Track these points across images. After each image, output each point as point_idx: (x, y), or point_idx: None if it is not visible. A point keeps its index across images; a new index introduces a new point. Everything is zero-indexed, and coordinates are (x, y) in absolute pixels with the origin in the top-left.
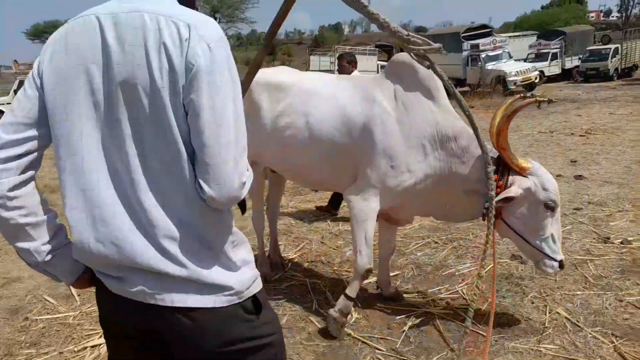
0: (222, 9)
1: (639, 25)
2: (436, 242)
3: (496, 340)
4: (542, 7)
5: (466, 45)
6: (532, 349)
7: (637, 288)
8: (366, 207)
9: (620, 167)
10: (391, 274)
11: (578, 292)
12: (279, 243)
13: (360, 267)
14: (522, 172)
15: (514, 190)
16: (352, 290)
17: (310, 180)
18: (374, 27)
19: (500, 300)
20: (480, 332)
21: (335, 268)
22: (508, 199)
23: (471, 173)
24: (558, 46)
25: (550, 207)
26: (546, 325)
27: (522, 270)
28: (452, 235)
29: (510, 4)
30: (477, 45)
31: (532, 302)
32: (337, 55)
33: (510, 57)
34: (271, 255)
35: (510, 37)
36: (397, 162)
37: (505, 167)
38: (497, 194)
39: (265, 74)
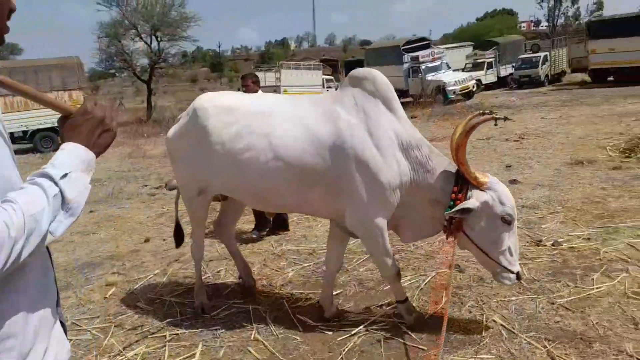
0: (162, 27)
1: (564, 34)
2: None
3: (436, 354)
4: (477, 19)
5: (407, 57)
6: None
7: (567, 290)
8: (373, 223)
9: (551, 170)
10: (334, 292)
11: (513, 298)
12: (220, 268)
13: (390, 275)
14: (480, 186)
15: (471, 203)
16: (399, 294)
17: (275, 204)
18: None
19: (441, 311)
20: (420, 346)
21: (277, 292)
22: (465, 211)
23: (435, 181)
24: (493, 56)
25: (506, 221)
26: (483, 334)
27: (460, 279)
28: (394, 248)
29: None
30: (417, 57)
31: (470, 312)
32: (240, 75)
33: (449, 67)
34: (244, 279)
35: (448, 48)
36: (376, 170)
37: (464, 181)
38: (456, 205)
39: (211, 99)
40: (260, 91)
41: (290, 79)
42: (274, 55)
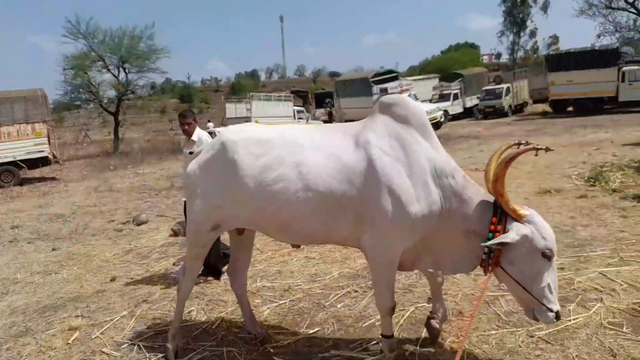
0: (130, 59)
1: (524, 66)
2: (356, 291)
3: None
4: (442, 52)
5: (376, 89)
6: None
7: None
8: (389, 251)
9: (521, 199)
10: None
11: (492, 332)
12: (191, 308)
13: (384, 308)
14: (519, 218)
15: (510, 236)
16: (386, 329)
17: (300, 235)
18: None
19: (421, 349)
20: None
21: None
22: (504, 244)
23: (472, 212)
24: (458, 87)
25: (547, 256)
26: None
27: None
28: (371, 282)
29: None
30: (385, 89)
31: (451, 348)
32: (178, 113)
33: (417, 99)
34: (251, 330)
35: (415, 80)
36: (405, 200)
37: (502, 213)
38: (495, 237)
39: (240, 131)
40: (198, 131)
41: (261, 110)
42: (244, 86)
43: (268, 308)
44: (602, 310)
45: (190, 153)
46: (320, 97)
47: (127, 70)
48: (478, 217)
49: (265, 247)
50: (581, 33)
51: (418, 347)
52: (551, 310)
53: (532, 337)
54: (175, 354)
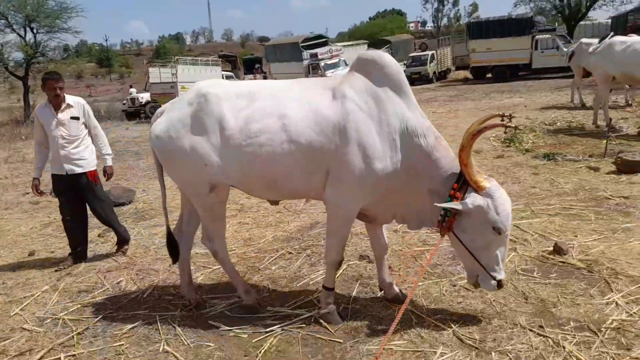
0: (38, 18)
1: (448, 34)
2: (290, 253)
3: (351, 346)
4: (370, 19)
5: (306, 54)
6: (384, 349)
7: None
8: (349, 205)
9: None
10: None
11: (419, 284)
12: (120, 279)
13: (332, 261)
14: (478, 189)
15: (462, 205)
16: (329, 281)
17: (284, 190)
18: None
19: (353, 304)
20: (336, 339)
21: (185, 299)
22: (454, 210)
23: (437, 172)
24: (387, 53)
25: (498, 230)
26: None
27: (370, 269)
28: (305, 243)
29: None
30: (316, 54)
31: (381, 301)
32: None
33: (347, 64)
34: (185, 292)
35: (345, 46)
36: (371, 156)
37: (465, 181)
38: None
39: (219, 84)
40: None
41: (187, 75)
42: (169, 50)
43: (202, 274)
44: (516, 258)
45: (75, 119)
46: (249, 62)
47: (35, 30)
48: (442, 179)
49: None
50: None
51: (350, 304)
52: (494, 279)
53: (455, 286)
54: (260, 304)
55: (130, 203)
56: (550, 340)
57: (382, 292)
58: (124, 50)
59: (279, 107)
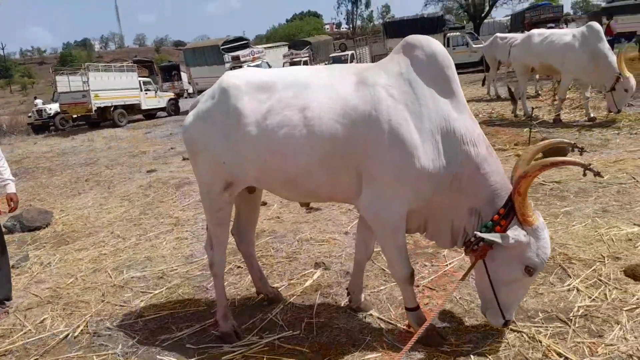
0: None
1: (363, 34)
2: (239, 267)
3: None
4: (287, 20)
5: (227, 57)
6: None
7: (426, 270)
8: (391, 213)
9: None
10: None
11: (382, 287)
12: (44, 316)
13: (401, 277)
14: (524, 224)
15: (506, 240)
16: (409, 301)
17: (304, 190)
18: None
19: (317, 318)
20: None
21: (128, 332)
22: (496, 243)
23: (484, 190)
24: (307, 54)
25: (529, 272)
26: (365, 334)
27: (327, 277)
28: None
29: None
30: (238, 57)
31: (346, 311)
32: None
33: (270, 66)
34: (261, 289)
35: (266, 48)
36: (409, 151)
37: (512, 209)
38: (497, 231)
39: (243, 76)
40: None
41: (100, 83)
42: (75, 57)
43: (142, 301)
44: None
45: None
46: (166, 69)
47: None
48: (488, 199)
49: (128, 233)
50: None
51: (314, 317)
52: (504, 317)
53: (418, 286)
54: (237, 335)
55: (47, 226)
56: (524, 335)
57: (349, 298)
58: (24, 59)
59: (300, 97)
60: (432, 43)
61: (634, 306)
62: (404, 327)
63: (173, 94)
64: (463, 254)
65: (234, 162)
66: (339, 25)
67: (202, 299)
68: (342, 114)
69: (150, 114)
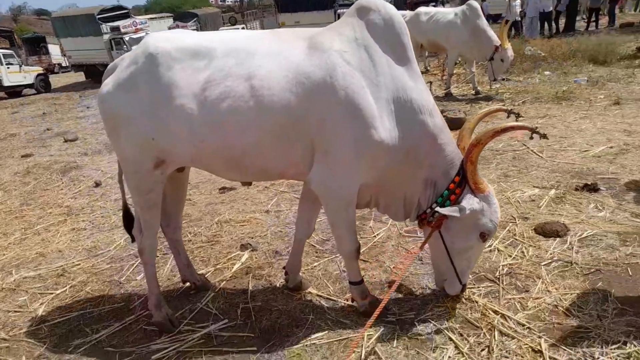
0: None
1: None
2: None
3: (268, 351)
4: None
5: (105, 27)
6: (306, 346)
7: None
8: (344, 188)
9: None
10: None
11: (315, 264)
12: None
13: (347, 252)
14: (477, 191)
15: (463, 210)
16: (353, 275)
17: (253, 169)
18: None
19: (253, 302)
20: (249, 349)
21: (30, 340)
22: (454, 215)
23: (440, 160)
24: (194, 27)
25: (484, 237)
26: (306, 313)
27: (256, 258)
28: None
29: None
30: (117, 28)
31: (283, 292)
32: None
33: None
34: (188, 277)
35: (149, 19)
36: (367, 121)
37: (465, 176)
38: (451, 200)
39: (172, 39)
40: None
41: None
42: None
43: (42, 303)
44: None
45: None
46: (31, 41)
47: None
48: (444, 169)
49: (9, 227)
50: None
51: (250, 302)
52: (460, 282)
53: None
54: (172, 322)
55: None
56: (461, 297)
57: (285, 278)
58: None
59: (245, 65)
60: (388, 7)
61: (549, 261)
62: (345, 301)
63: (42, 69)
64: (389, 224)
65: (165, 138)
66: None
67: (117, 295)
68: (294, 82)
69: (14, 92)
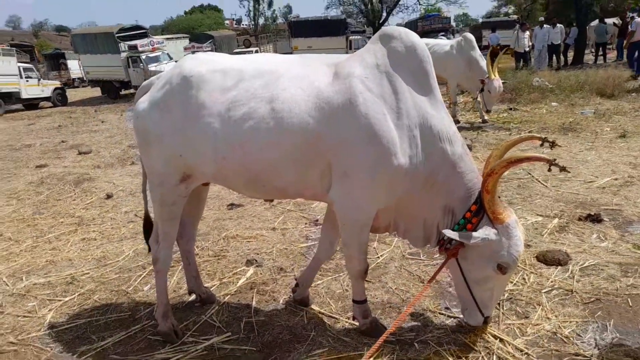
0: None
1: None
2: None
3: None
4: (186, 13)
5: (123, 46)
6: None
7: None
8: (361, 212)
9: None
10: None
11: (319, 282)
12: None
13: (355, 271)
14: (495, 222)
15: (474, 238)
16: (358, 295)
17: (272, 187)
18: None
19: (256, 316)
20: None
21: (37, 345)
22: (464, 242)
23: (458, 188)
24: (210, 48)
25: (502, 270)
26: (308, 329)
27: (261, 274)
28: (176, 254)
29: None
30: (135, 46)
31: (287, 308)
32: None
33: (171, 58)
34: (194, 289)
35: (166, 39)
36: (387, 149)
37: (482, 206)
38: (468, 229)
39: (205, 61)
40: None
41: None
42: None
43: (50, 310)
44: (400, 243)
45: None
46: (52, 57)
47: None
48: (462, 197)
49: (21, 235)
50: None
51: (253, 316)
52: (482, 314)
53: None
54: (176, 334)
55: None
56: (461, 320)
57: (293, 289)
58: None
59: (269, 87)
60: (410, 35)
61: (550, 288)
62: (346, 319)
63: (59, 83)
64: (392, 246)
65: (191, 155)
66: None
67: (124, 304)
68: (314, 107)
69: (32, 104)
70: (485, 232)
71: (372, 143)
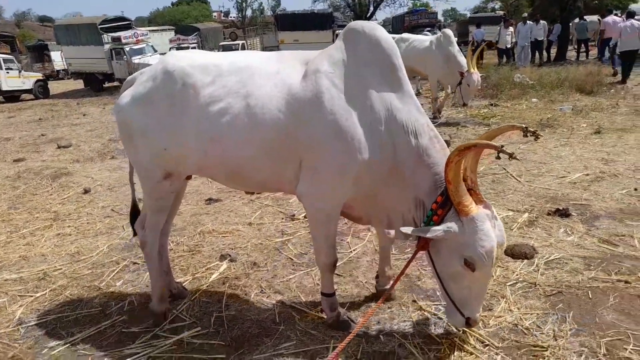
0: None
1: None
2: (135, 263)
3: (237, 359)
4: (172, 4)
5: (107, 37)
6: (274, 355)
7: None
8: (327, 204)
9: None
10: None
11: (291, 277)
12: None
13: (323, 264)
14: (460, 214)
15: (430, 232)
16: (326, 287)
17: (252, 181)
18: None
19: (227, 311)
20: (218, 356)
21: (1, 342)
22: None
23: (425, 180)
24: (195, 41)
25: (469, 266)
26: (277, 323)
27: (234, 269)
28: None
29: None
30: (118, 38)
31: (257, 303)
32: None
33: (155, 50)
34: (166, 285)
35: (151, 31)
36: (351, 143)
37: (449, 198)
38: (434, 221)
39: (187, 58)
40: None
41: None
42: None
43: (20, 305)
44: (373, 237)
45: None
46: (36, 49)
47: None
48: (429, 190)
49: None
50: None
51: (224, 311)
52: (462, 314)
53: None
54: (164, 317)
55: None
56: (427, 313)
57: (376, 281)
58: None
59: (245, 83)
60: (376, 29)
61: (515, 281)
62: (315, 313)
63: (41, 75)
64: (365, 240)
65: (176, 149)
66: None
67: (96, 300)
68: (285, 103)
69: (12, 96)
70: (447, 225)
71: (337, 138)
